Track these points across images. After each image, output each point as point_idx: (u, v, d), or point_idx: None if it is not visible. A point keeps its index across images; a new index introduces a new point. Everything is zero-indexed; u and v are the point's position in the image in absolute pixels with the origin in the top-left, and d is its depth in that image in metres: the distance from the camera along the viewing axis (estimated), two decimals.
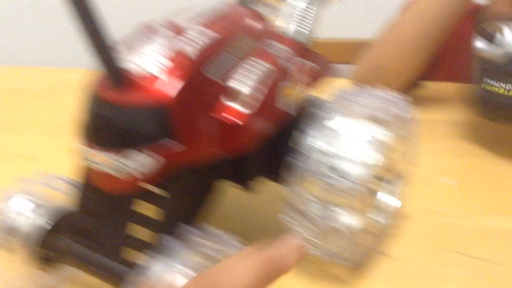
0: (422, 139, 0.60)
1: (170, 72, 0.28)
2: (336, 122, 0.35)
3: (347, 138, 0.35)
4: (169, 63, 0.28)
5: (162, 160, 0.29)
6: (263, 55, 0.34)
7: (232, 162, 0.36)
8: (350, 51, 0.74)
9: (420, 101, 0.69)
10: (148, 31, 0.31)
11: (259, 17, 0.37)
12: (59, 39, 1.12)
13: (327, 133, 0.35)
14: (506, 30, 0.53)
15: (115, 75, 0.27)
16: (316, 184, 0.34)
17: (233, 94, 0.31)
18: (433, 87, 0.72)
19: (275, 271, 0.25)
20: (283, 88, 0.34)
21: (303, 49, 0.38)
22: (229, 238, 0.29)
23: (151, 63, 0.29)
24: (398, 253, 0.42)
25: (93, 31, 0.24)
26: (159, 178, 0.29)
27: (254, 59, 0.33)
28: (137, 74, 0.28)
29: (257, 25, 0.37)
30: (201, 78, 0.30)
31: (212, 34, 0.31)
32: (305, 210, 0.35)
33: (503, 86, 0.53)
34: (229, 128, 0.30)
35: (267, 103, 0.32)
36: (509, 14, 0.63)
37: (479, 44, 0.55)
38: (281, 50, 0.35)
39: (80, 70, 0.48)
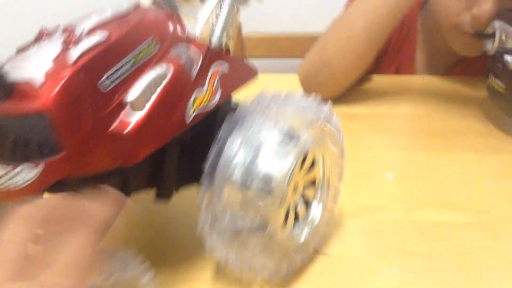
0: (364, 134, 0.60)
1: (52, 77, 0.27)
2: (256, 131, 0.34)
3: (267, 147, 0.34)
4: (52, 69, 0.27)
5: (41, 169, 0.27)
6: (170, 60, 0.33)
7: (149, 171, 0.35)
8: (301, 45, 0.73)
9: (365, 95, 0.69)
10: (42, 37, 0.30)
11: (175, 20, 0.36)
12: None
13: (247, 142, 0.34)
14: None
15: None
16: (236, 194, 0.33)
17: (124, 102, 0.30)
18: (378, 80, 0.72)
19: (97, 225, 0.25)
20: (195, 94, 0.33)
21: (221, 53, 0.36)
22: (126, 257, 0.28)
23: (36, 69, 0.27)
24: (334, 251, 0.42)
25: None
26: (40, 189, 0.28)
27: (158, 65, 0.32)
28: (21, 82, 0.27)
29: (172, 29, 0.35)
30: (91, 86, 0.28)
31: (108, 37, 0.30)
32: (224, 222, 0.34)
33: None
34: (115, 137, 0.29)
35: (162, 108, 0.31)
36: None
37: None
38: (193, 54, 0.34)
39: None
